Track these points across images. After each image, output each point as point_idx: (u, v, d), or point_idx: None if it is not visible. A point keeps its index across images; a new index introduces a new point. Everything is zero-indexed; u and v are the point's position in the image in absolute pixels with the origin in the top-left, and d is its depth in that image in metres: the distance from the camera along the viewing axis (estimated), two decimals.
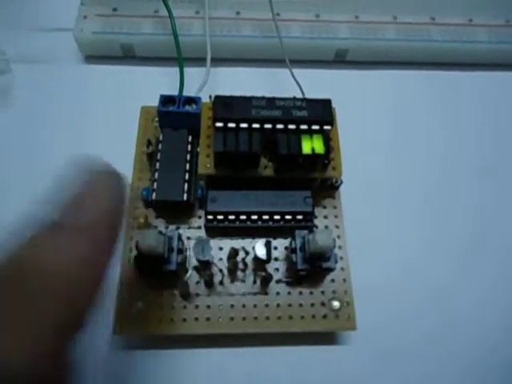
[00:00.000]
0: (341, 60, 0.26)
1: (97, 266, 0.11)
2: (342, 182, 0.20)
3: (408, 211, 0.22)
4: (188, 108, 0.20)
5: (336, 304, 0.19)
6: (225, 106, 0.18)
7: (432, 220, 0.22)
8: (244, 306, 0.19)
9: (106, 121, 0.24)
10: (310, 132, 0.18)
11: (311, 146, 0.18)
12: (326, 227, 0.20)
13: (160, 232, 0.17)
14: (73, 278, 0.11)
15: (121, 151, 0.22)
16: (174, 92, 0.21)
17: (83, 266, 0.11)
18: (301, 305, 0.19)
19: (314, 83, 0.22)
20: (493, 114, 0.26)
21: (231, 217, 0.19)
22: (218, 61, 0.24)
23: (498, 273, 0.22)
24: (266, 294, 0.19)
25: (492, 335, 0.20)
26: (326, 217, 0.21)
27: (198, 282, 0.19)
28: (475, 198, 0.23)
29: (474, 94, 0.26)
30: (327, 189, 0.21)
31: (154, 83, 0.24)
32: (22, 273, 0.10)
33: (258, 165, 0.19)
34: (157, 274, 0.18)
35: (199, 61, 0.23)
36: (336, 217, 0.21)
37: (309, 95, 0.21)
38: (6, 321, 0.10)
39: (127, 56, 0.25)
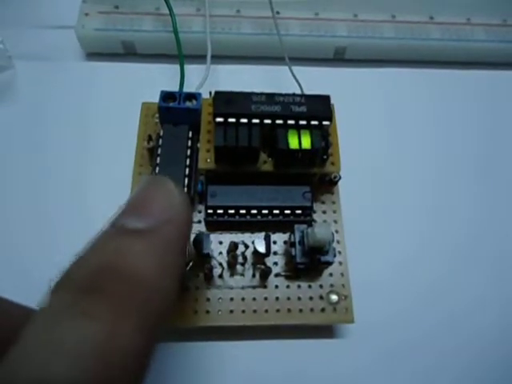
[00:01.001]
0: (339, 58, 0.26)
1: (174, 267, 0.11)
2: (340, 178, 0.20)
3: (406, 206, 0.23)
4: (188, 104, 0.20)
5: (334, 297, 0.19)
6: (225, 101, 0.18)
7: (430, 215, 0.23)
8: (243, 299, 0.19)
9: (107, 117, 0.24)
10: (309, 127, 0.18)
11: (310, 141, 0.18)
12: (325, 222, 0.20)
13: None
14: (156, 283, 0.10)
15: (122, 146, 0.22)
16: (175, 89, 0.21)
17: (165, 271, 0.11)
18: (299, 298, 0.19)
19: (312, 80, 0.22)
20: (490, 111, 0.26)
21: (231, 211, 0.19)
22: (218, 58, 0.24)
23: (497, 268, 0.22)
24: (265, 287, 0.19)
25: (491, 330, 0.20)
26: (324, 212, 0.21)
27: (197, 276, 0.19)
28: (473, 194, 0.23)
29: (470, 92, 0.27)
30: (326, 184, 0.21)
31: (155, 80, 0.24)
32: (108, 279, 0.10)
33: (258, 160, 0.19)
34: None
35: (199, 58, 0.23)
36: (334, 212, 0.21)
37: (308, 92, 0.21)
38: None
39: (128, 53, 0.25)
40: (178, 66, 0.23)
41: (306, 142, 0.18)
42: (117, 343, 0.09)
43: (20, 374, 0.09)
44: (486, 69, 0.27)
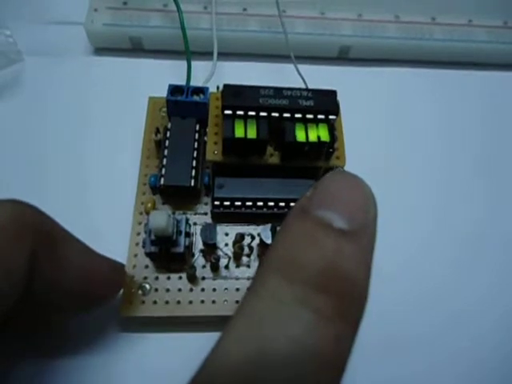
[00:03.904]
0: (344, 57, 0.27)
1: (371, 270, 0.11)
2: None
3: (409, 204, 0.23)
4: (196, 98, 0.21)
5: None
6: (233, 94, 0.18)
7: (433, 213, 0.23)
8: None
9: (114, 111, 0.24)
10: (316, 121, 0.19)
11: (317, 134, 0.18)
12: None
13: (169, 215, 0.18)
14: (366, 287, 0.11)
15: (129, 140, 0.23)
16: (181, 84, 0.21)
17: (369, 274, 0.11)
18: None
19: (317, 78, 0.23)
20: (491, 111, 0.27)
21: (237, 203, 0.20)
22: (225, 55, 0.25)
23: (502, 268, 0.22)
24: None
25: (495, 330, 0.21)
26: None
27: (204, 266, 0.19)
28: (477, 193, 0.24)
29: (472, 92, 0.27)
30: None
31: (162, 75, 0.25)
32: (332, 280, 0.10)
33: (265, 152, 0.19)
34: (164, 256, 0.18)
35: (206, 55, 0.24)
36: None
37: None
38: None
39: (136, 48, 0.26)
40: (184, 63, 0.23)
41: (313, 135, 0.18)
42: (340, 346, 0.10)
43: (235, 356, 0.09)
44: (487, 69, 0.28)
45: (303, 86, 0.23)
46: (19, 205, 0.14)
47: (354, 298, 0.10)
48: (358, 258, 0.11)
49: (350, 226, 0.11)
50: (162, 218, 0.17)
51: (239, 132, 0.18)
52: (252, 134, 0.18)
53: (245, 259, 0.20)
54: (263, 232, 0.19)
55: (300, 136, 0.18)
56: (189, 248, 0.19)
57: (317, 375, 0.09)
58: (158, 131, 0.21)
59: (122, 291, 0.18)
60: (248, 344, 0.09)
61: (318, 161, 0.19)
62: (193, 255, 0.19)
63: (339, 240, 0.10)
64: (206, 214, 0.20)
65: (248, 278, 0.19)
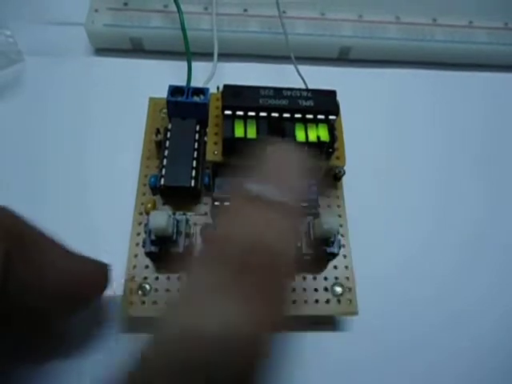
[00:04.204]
0: (344, 58, 0.27)
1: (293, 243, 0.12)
2: (344, 172, 0.21)
3: (409, 204, 0.23)
4: (196, 98, 0.21)
5: (338, 289, 0.19)
6: (234, 94, 0.18)
7: (432, 213, 0.23)
8: None
9: (114, 111, 0.24)
10: (316, 121, 0.19)
11: (317, 134, 0.18)
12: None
13: (169, 215, 0.18)
14: (291, 256, 0.11)
15: (129, 140, 0.23)
16: (181, 84, 0.21)
17: (293, 244, 0.11)
18: (304, 289, 0.19)
19: (317, 79, 0.23)
20: (491, 112, 0.27)
21: None
22: (225, 56, 0.25)
23: (502, 267, 0.22)
24: None
25: (495, 329, 0.21)
26: (329, 206, 0.21)
27: None
28: (477, 192, 0.24)
29: (471, 93, 0.27)
30: (330, 179, 0.21)
31: (162, 76, 0.25)
32: (259, 258, 0.10)
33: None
34: (164, 256, 0.18)
35: (206, 56, 0.24)
36: (339, 206, 0.21)
37: None
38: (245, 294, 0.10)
39: (136, 49, 0.26)
40: (184, 63, 0.23)
41: (313, 135, 0.18)
42: (261, 326, 0.10)
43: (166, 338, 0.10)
44: (488, 71, 0.28)
45: (303, 87, 0.23)
46: None
47: (277, 273, 0.11)
48: (283, 231, 0.11)
49: (278, 198, 0.11)
50: (162, 217, 0.17)
51: (239, 132, 0.18)
52: (252, 134, 0.18)
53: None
54: None
55: (300, 136, 0.18)
56: (189, 248, 0.19)
57: (240, 355, 0.10)
58: (158, 132, 0.21)
59: (122, 292, 0.18)
60: (177, 327, 0.10)
61: (318, 161, 0.19)
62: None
63: (265, 212, 0.11)
64: (206, 214, 0.20)
65: None
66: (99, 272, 0.17)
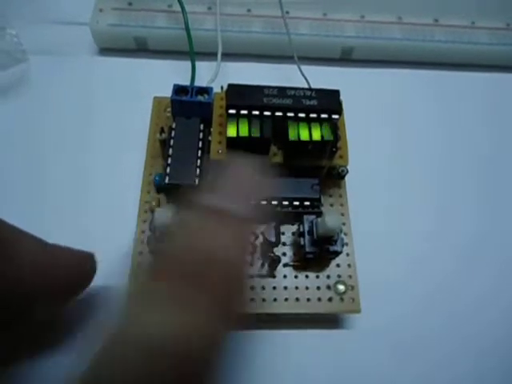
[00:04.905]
0: (346, 58, 0.27)
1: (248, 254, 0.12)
2: (347, 171, 0.21)
3: (412, 202, 0.23)
4: (200, 98, 0.21)
5: (341, 287, 0.19)
6: (238, 93, 0.18)
7: (435, 211, 0.23)
8: (252, 288, 0.19)
9: (119, 110, 0.24)
10: (319, 120, 0.19)
11: (320, 133, 0.18)
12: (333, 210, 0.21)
13: (174, 212, 0.18)
14: (241, 268, 0.11)
15: (134, 139, 0.23)
16: (185, 84, 0.22)
17: (245, 255, 0.11)
18: (307, 288, 0.19)
19: (320, 79, 0.23)
20: (493, 113, 0.27)
21: None
22: (229, 56, 0.25)
23: (504, 268, 0.22)
24: (273, 276, 0.19)
25: (498, 329, 0.21)
26: (331, 205, 0.21)
27: None
28: (478, 193, 0.24)
29: (473, 93, 0.27)
30: (333, 178, 0.21)
31: (166, 75, 0.25)
32: (209, 269, 0.10)
33: (269, 151, 0.19)
34: None
35: (210, 55, 0.24)
36: (341, 205, 0.21)
37: None
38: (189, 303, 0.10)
39: (140, 49, 0.26)
40: (188, 63, 0.23)
41: (316, 134, 0.18)
42: (211, 338, 0.10)
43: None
44: (489, 71, 0.28)
45: (306, 86, 0.23)
46: None
47: (228, 286, 0.10)
48: (233, 244, 0.11)
49: (229, 210, 0.11)
50: (167, 214, 0.17)
51: (243, 131, 0.18)
52: (256, 133, 0.18)
53: (248, 258, 0.20)
54: (267, 231, 0.19)
55: (303, 135, 0.18)
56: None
57: (186, 366, 0.10)
58: (162, 131, 0.21)
59: (127, 289, 0.19)
60: (127, 336, 0.10)
61: (321, 160, 0.20)
62: None
63: (216, 225, 0.11)
64: None
65: (252, 277, 0.19)
66: (83, 261, 0.17)
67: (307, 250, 0.19)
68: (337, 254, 0.19)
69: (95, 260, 0.17)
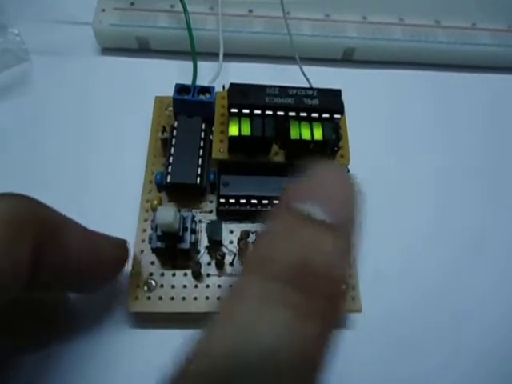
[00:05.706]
0: (348, 58, 0.27)
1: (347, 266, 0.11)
2: (349, 171, 0.21)
3: (412, 201, 0.23)
4: (202, 97, 0.21)
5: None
6: (240, 93, 0.18)
7: (436, 211, 0.23)
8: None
9: (121, 110, 0.24)
10: (321, 120, 0.19)
11: (322, 132, 0.18)
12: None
13: (176, 211, 0.18)
14: (341, 283, 0.10)
15: (135, 138, 0.23)
16: (187, 83, 0.22)
17: (346, 271, 0.11)
18: None
19: (322, 80, 0.23)
20: (494, 114, 0.27)
21: (242, 201, 0.20)
22: (230, 56, 0.25)
23: (504, 266, 0.22)
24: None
25: (498, 327, 0.21)
26: None
27: (209, 263, 0.19)
28: (481, 191, 0.24)
29: (475, 95, 0.27)
30: None
31: (168, 75, 0.25)
32: (306, 275, 0.10)
33: (270, 151, 0.19)
34: (170, 252, 0.18)
35: (211, 56, 0.24)
36: None
37: None
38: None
39: (143, 49, 0.26)
40: (190, 63, 0.23)
41: (318, 134, 0.18)
42: (315, 344, 0.10)
43: (216, 351, 0.09)
44: (491, 72, 0.28)
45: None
46: (17, 198, 0.14)
47: (329, 295, 0.10)
48: (335, 254, 0.10)
49: (330, 219, 0.10)
50: (168, 213, 0.17)
51: (245, 130, 0.18)
52: (258, 132, 0.18)
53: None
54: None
55: (305, 134, 0.18)
56: (194, 245, 0.19)
57: (294, 371, 0.09)
58: (164, 130, 0.21)
59: (129, 287, 0.19)
60: (228, 340, 0.09)
61: (323, 159, 0.20)
62: (198, 252, 0.20)
63: (317, 234, 0.10)
64: (211, 211, 0.21)
65: None
66: (120, 248, 0.18)
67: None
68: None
69: (128, 247, 0.18)
